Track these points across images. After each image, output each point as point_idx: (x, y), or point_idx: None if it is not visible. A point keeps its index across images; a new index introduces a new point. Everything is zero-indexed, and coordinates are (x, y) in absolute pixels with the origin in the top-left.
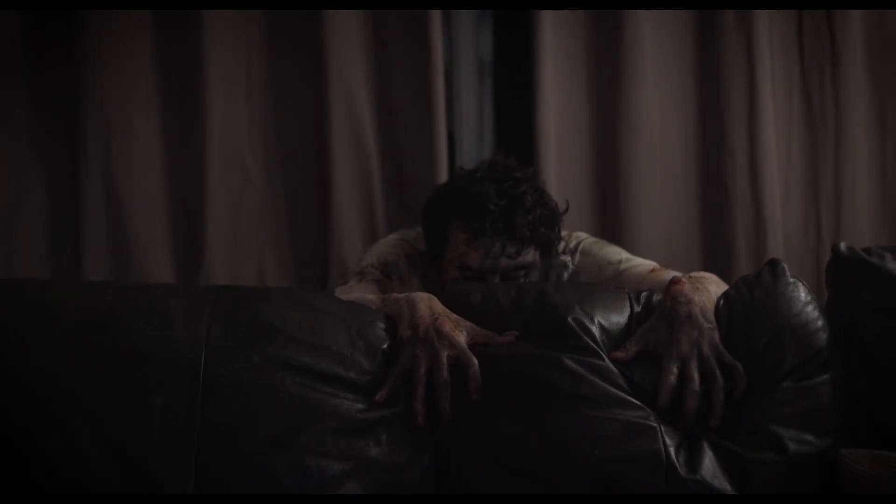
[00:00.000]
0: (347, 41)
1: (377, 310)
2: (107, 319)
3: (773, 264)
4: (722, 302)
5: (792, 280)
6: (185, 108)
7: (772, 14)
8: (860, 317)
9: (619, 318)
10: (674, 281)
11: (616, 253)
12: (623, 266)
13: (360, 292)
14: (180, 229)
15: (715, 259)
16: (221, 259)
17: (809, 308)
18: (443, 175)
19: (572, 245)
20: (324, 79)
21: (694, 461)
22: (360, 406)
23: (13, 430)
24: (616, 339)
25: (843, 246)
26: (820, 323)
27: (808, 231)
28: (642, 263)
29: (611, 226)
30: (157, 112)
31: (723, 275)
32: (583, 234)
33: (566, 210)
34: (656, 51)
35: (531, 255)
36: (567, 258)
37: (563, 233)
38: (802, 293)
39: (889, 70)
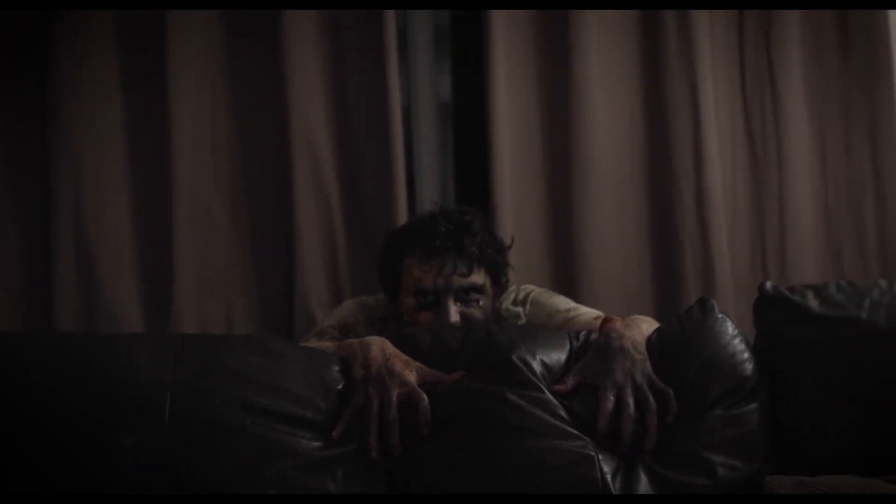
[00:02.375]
0: (307, 83)
1: (332, 353)
2: (81, 367)
3: (703, 301)
4: (654, 335)
5: (720, 316)
6: (153, 155)
7: (714, 58)
8: (782, 351)
9: (559, 355)
10: (606, 320)
11: (564, 302)
12: (571, 314)
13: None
14: (149, 275)
15: (665, 296)
16: (189, 303)
17: (736, 341)
18: (403, 216)
19: (521, 296)
20: (286, 125)
21: (629, 487)
22: (316, 444)
23: None
24: (557, 374)
25: (768, 285)
26: (746, 355)
27: (756, 267)
28: (588, 312)
29: (566, 264)
30: (126, 161)
31: (674, 305)
32: (531, 286)
33: (511, 244)
34: (605, 94)
35: (482, 277)
36: (518, 309)
37: (512, 287)
38: (730, 328)
39: (829, 111)
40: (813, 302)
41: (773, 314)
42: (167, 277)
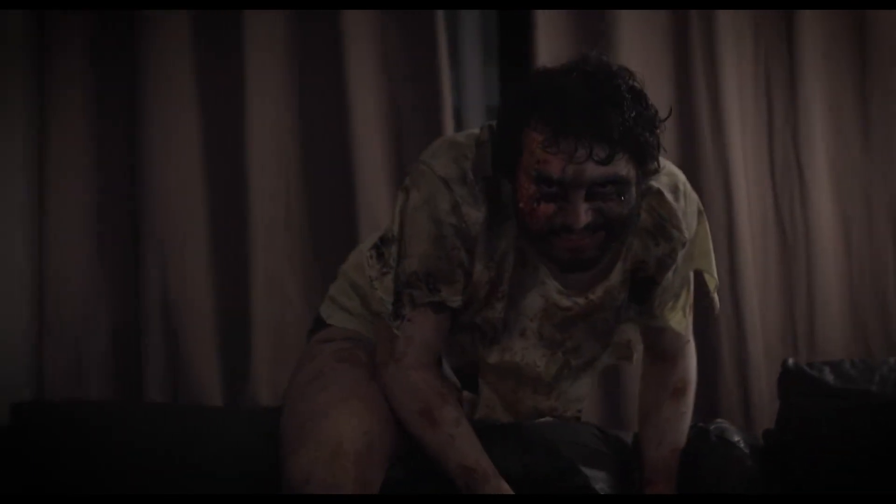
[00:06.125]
0: (374, 163)
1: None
2: (177, 439)
3: (704, 433)
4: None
5: (715, 441)
6: (232, 236)
7: (745, 144)
8: (802, 420)
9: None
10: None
11: (704, 258)
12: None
13: (421, 336)
14: (229, 348)
15: (703, 364)
16: (265, 376)
17: (747, 462)
18: None
19: (690, 210)
20: (354, 214)
21: None
22: None
23: None
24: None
25: (790, 361)
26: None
27: (786, 342)
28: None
29: None
30: (207, 243)
31: (711, 378)
32: (679, 176)
33: (668, 116)
34: None
35: (624, 167)
36: (682, 204)
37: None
38: (736, 452)
39: (853, 198)
40: (829, 376)
41: (793, 387)
42: (245, 350)
